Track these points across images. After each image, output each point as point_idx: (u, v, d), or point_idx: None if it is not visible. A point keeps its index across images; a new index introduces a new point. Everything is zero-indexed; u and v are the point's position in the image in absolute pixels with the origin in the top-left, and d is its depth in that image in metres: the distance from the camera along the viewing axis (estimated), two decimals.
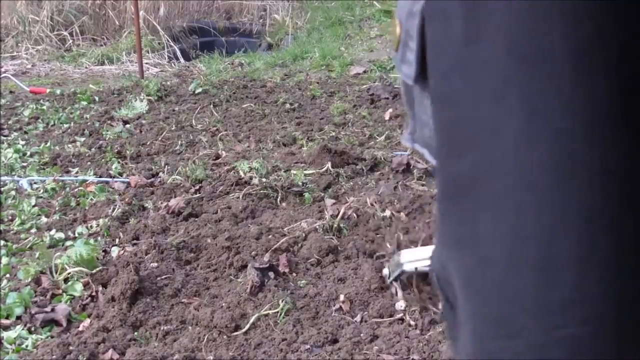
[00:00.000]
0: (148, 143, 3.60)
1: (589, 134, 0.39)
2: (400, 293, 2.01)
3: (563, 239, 0.41)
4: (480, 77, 0.41)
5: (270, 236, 2.42)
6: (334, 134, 3.62)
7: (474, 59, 0.41)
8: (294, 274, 2.21)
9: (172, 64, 6.26)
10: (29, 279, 2.16)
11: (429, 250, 1.91)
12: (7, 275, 2.22)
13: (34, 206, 2.78)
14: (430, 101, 0.48)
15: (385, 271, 2.08)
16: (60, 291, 2.11)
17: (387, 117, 3.90)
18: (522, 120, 0.41)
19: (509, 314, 0.45)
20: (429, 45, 0.46)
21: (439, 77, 0.45)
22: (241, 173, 3.01)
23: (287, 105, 4.23)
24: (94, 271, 2.14)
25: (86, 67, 6.02)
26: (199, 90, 4.63)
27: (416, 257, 1.98)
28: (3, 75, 5.34)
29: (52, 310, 2.01)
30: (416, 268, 1.95)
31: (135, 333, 1.92)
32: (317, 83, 4.81)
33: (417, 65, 0.49)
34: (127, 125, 3.95)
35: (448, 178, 0.47)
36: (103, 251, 2.38)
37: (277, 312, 1.98)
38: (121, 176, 3.12)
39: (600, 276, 0.41)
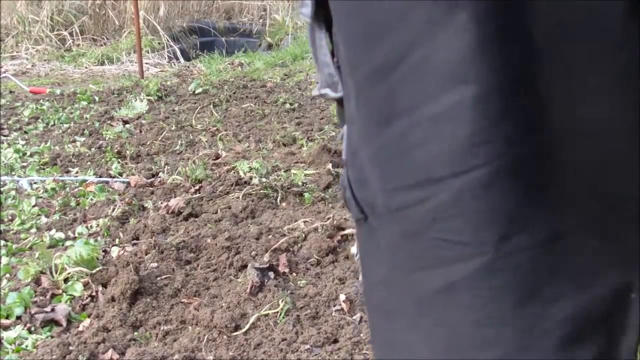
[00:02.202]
0: (148, 143, 3.60)
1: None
2: None
3: (465, 86, 0.47)
4: None
5: (270, 236, 2.42)
6: (334, 133, 3.62)
7: None
8: (294, 274, 2.21)
9: (172, 64, 6.26)
10: (29, 279, 2.16)
11: None
12: (7, 275, 2.22)
13: (34, 206, 2.78)
14: (338, 17, 0.53)
15: (354, 250, 2.13)
16: (60, 291, 2.11)
17: None
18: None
19: (429, 172, 0.49)
20: None
21: None
22: (241, 173, 3.01)
23: (287, 105, 4.23)
24: (94, 271, 2.14)
25: (86, 67, 6.02)
26: (199, 90, 4.63)
27: None
28: (3, 75, 5.34)
29: (52, 310, 2.00)
30: None
31: (135, 333, 1.92)
32: (317, 83, 4.81)
33: (312, 3, 0.57)
34: (127, 125, 3.95)
35: (360, 76, 0.52)
36: (103, 251, 2.38)
37: (277, 312, 1.98)
38: (121, 176, 3.12)
39: (497, 118, 0.47)
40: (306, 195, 2.78)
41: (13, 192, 2.94)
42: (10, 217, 2.71)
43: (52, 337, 1.91)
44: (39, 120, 4.05)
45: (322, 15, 0.57)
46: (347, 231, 2.37)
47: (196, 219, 2.63)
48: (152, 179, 3.05)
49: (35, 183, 3.05)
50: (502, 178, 0.47)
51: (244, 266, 2.24)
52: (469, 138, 0.47)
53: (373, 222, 0.56)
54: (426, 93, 0.48)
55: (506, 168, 0.47)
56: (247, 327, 1.92)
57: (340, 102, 0.61)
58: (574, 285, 0.49)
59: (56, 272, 2.17)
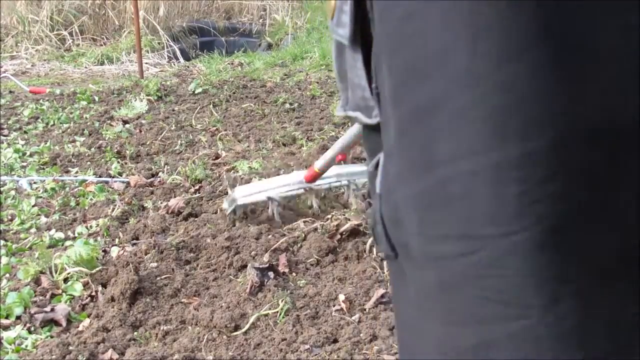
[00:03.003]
0: (148, 143, 3.60)
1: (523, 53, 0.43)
2: (237, 223, 2.45)
3: (508, 144, 0.45)
4: (432, 15, 0.46)
5: (270, 236, 2.42)
6: (333, 133, 3.62)
7: (425, 2, 0.46)
8: (294, 274, 2.21)
9: (172, 64, 6.26)
10: (29, 279, 2.16)
11: (255, 185, 2.41)
12: (7, 275, 2.22)
13: (33, 206, 2.78)
14: (380, 51, 0.51)
15: (225, 205, 2.51)
16: (60, 291, 2.11)
17: None
18: (468, 43, 0.45)
19: (471, 228, 0.47)
20: (380, 3, 0.50)
21: (396, 22, 0.48)
22: (241, 173, 3.01)
23: (287, 105, 4.23)
24: (94, 271, 2.14)
25: (86, 67, 6.03)
26: (199, 90, 4.63)
27: (247, 192, 2.44)
28: (3, 75, 5.34)
29: (52, 310, 2.01)
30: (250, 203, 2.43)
31: (135, 333, 1.92)
32: (317, 83, 4.81)
33: (351, 26, 0.54)
34: (127, 125, 3.95)
35: (404, 112, 0.49)
36: (103, 251, 2.38)
37: (277, 312, 1.98)
38: (121, 176, 3.12)
39: (546, 176, 0.45)
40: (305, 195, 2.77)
41: (13, 192, 2.94)
42: (10, 217, 2.71)
43: (51, 337, 1.91)
44: (39, 120, 4.05)
45: (359, 36, 0.55)
46: (345, 226, 2.38)
47: (196, 219, 2.63)
48: (152, 179, 3.05)
49: (35, 183, 3.05)
50: (552, 239, 0.45)
51: (244, 266, 2.24)
52: (516, 198, 0.45)
53: (405, 263, 0.55)
54: (466, 146, 0.46)
55: (557, 228, 0.45)
56: (246, 327, 1.92)
57: (372, 127, 0.58)
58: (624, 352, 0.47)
59: (56, 272, 2.17)
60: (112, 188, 2.98)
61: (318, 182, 2.43)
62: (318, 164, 2.33)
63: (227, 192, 2.86)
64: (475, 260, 0.47)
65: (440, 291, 0.51)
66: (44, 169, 3.24)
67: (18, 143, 3.62)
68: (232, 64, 5.92)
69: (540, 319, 0.46)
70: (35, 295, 2.08)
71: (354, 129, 2.18)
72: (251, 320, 1.94)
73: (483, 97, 0.45)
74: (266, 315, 1.97)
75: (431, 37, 0.46)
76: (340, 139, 2.30)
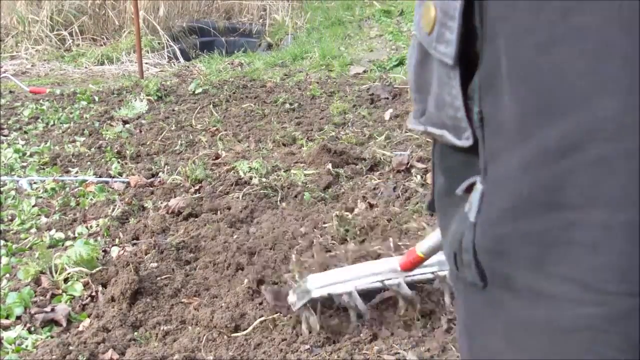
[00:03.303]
0: (148, 143, 3.60)
1: None
2: (311, 320, 1.87)
3: None
4: (579, 50, 0.42)
5: (270, 236, 2.42)
6: (333, 133, 3.62)
7: (572, 30, 0.43)
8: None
9: (172, 64, 6.26)
10: (29, 279, 2.16)
11: (335, 274, 1.84)
12: (7, 275, 2.22)
13: (33, 206, 2.78)
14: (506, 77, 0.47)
15: (291, 299, 1.88)
16: (60, 291, 2.12)
17: (386, 117, 3.90)
18: (622, 89, 0.41)
19: (595, 279, 0.44)
20: (506, 26, 0.46)
21: (532, 50, 0.45)
22: (241, 173, 3.01)
23: (287, 105, 4.23)
24: (94, 271, 2.14)
25: (86, 67, 6.02)
26: (199, 90, 4.63)
27: (324, 283, 1.84)
28: (3, 75, 5.34)
29: (52, 310, 2.01)
30: (328, 293, 1.83)
31: (135, 333, 1.92)
32: (317, 83, 4.81)
33: (457, 45, 0.50)
34: (127, 125, 3.95)
35: (533, 146, 0.46)
36: (103, 251, 2.38)
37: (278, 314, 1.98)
38: (121, 176, 3.12)
39: None
40: (306, 195, 2.78)
41: (13, 192, 2.94)
42: (10, 217, 2.71)
43: (52, 337, 1.91)
44: (39, 120, 4.05)
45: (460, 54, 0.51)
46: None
47: (196, 219, 2.63)
48: (152, 179, 3.05)
49: (35, 183, 3.06)
50: None
51: (244, 266, 2.24)
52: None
53: (499, 294, 0.52)
54: (603, 197, 0.43)
55: None
56: (249, 329, 1.92)
57: (455, 147, 0.54)
58: None
59: (56, 272, 2.17)
60: (112, 188, 2.98)
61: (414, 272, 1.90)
62: (421, 248, 1.78)
63: (227, 192, 2.86)
64: (595, 312, 0.45)
65: (547, 329, 0.48)
66: (44, 169, 3.24)
67: (18, 143, 3.63)
68: (232, 64, 5.92)
69: None
70: (36, 295, 2.08)
71: None
72: (254, 324, 1.94)
73: (634, 151, 0.42)
74: (267, 316, 1.97)
75: (576, 72, 0.43)
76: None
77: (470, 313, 0.58)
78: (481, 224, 0.51)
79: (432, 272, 1.94)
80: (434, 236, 1.75)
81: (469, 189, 0.53)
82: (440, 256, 1.82)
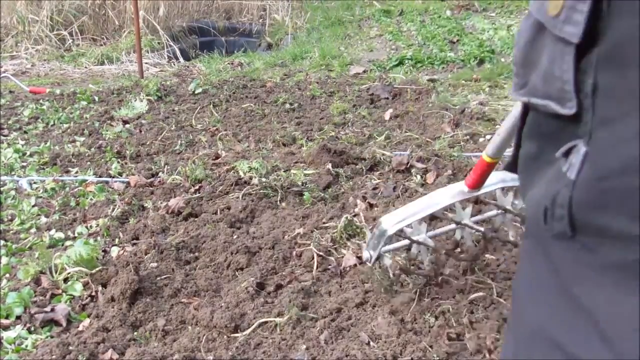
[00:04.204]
0: (148, 143, 3.60)
1: None
2: (389, 265, 1.92)
3: None
4: None
5: (270, 236, 2.42)
6: (333, 133, 3.62)
7: None
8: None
9: (172, 64, 6.26)
10: (29, 279, 2.16)
11: (405, 209, 1.84)
12: (7, 275, 2.22)
13: (33, 206, 2.78)
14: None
15: (366, 254, 1.88)
16: (60, 291, 2.12)
17: (386, 117, 3.90)
18: None
19: None
20: (634, 4, 0.53)
21: None
22: (241, 173, 3.01)
23: (287, 105, 4.23)
24: (94, 271, 2.14)
25: (86, 67, 6.02)
26: (199, 90, 4.63)
27: (397, 219, 1.82)
28: (3, 75, 5.34)
29: (52, 310, 2.01)
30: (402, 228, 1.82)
31: (135, 333, 1.92)
32: (317, 83, 4.81)
33: (585, 25, 0.57)
34: (127, 125, 3.95)
35: None
36: (103, 251, 2.38)
37: (277, 314, 1.98)
38: (121, 176, 3.12)
39: None
40: (306, 195, 2.78)
41: (13, 192, 2.94)
42: (10, 217, 2.71)
43: (51, 337, 1.91)
44: (39, 120, 4.05)
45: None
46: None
47: (196, 219, 2.63)
48: (152, 179, 3.05)
49: (35, 183, 3.06)
50: None
51: (244, 266, 2.24)
52: None
53: (592, 242, 0.59)
54: None
55: None
56: (249, 329, 1.92)
57: (555, 115, 0.62)
58: None
59: (56, 272, 2.17)
60: (112, 188, 2.98)
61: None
62: (487, 151, 1.76)
63: (227, 192, 2.86)
64: None
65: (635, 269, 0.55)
66: (44, 169, 3.24)
67: (18, 143, 3.63)
68: (232, 64, 5.92)
69: None
70: (35, 295, 2.08)
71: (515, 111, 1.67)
72: (254, 325, 1.94)
73: None
74: (266, 316, 1.97)
75: None
76: (508, 118, 1.71)
77: (554, 259, 0.64)
78: (582, 181, 0.58)
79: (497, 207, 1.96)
80: (498, 136, 1.71)
81: (568, 152, 0.60)
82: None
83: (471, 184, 1.83)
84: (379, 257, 1.86)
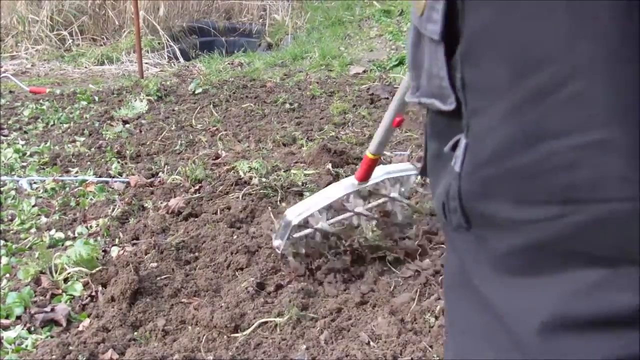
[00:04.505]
0: (148, 143, 3.60)
1: None
2: (292, 260, 2.17)
3: (615, 125, 0.51)
4: (557, 16, 0.52)
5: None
6: (333, 133, 3.62)
7: (547, 2, 0.52)
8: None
9: (172, 64, 6.26)
10: (29, 279, 2.16)
11: (306, 201, 2.12)
12: (7, 275, 2.22)
13: (33, 206, 2.78)
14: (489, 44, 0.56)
15: (276, 242, 2.09)
16: (60, 291, 2.12)
17: None
18: (595, 33, 0.50)
19: (573, 194, 0.53)
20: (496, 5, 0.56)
21: (519, 21, 0.53)
22: (241, 173, 3.01)
23: (287, 105, 4.24)
24: (94, 271, 2.14)
25: (86, 67, 6.03)
26: (199, 90, 4.63)
27: (300, 211, 2.07)
28: (3, 75, 5.34)
29: (52, 310, 2.01)
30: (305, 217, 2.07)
31: (135, 333, 1.92)
32: (317, 83, 4.81)
33: (442, 22, 0.60)
34: (127, 125, 3.95)
35: (522, 93, 0.54)
36: (103, 251, 2.38)
37: (277, 314, 1.98)
38: (121, 176, 3.12)
39: None
40: (306, 195, 2.78)
41: (13, 192, 2.94)
42: (10, 217, 2.71)
43: (51, 337, 1.91)
44: (39, 120, 4.05)
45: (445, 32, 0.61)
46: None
47: (196, 219, 2.63)
48: (152, 179, 3.05)
49: (35, 183, 3.06)
50: None
51: (244, 266, 2.24)
52: (616, 173, 0.51)
53: (483, 232, 0.62)
54: (578, 122, 0.52)
55: None
56: (249, 329, 1.92)
57: (441, 112, 0.65)
58: None
59: (56, 272, 2.17)
60: (112, 188, 2.98)
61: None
62: (370, 150, 2.07)
63: (227, 192, 2.86)
64: (571, 221, 0.54)
65: (528, 250, 0.57)
66: (44, 169, 3.24)
67: (18, 143, 3.63)
68: (232, 64, 5.92)
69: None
70: (35, 295, 2.08)
71: (393, 102, 2.02)
72: (254, 325, 1.94)
73: (602, 81, 0.50)
74: (267, 315, 1.97)
75: (556, 31, 0.52)
76: (384, 118, 2.04)
77: (458, 252, 0.68)
78: (465, 173, 0.61)
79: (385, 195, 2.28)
80: (377, 135, 2.05)
81: (455, 147, 0.63)
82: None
83: (359, 177, 2.12)
84: (291, 244, 2.13)
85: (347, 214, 2.21)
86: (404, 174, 2.33)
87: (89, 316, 2.01)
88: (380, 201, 2.31)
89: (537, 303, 0.57)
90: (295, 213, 2.06)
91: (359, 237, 2.23)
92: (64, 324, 1.97)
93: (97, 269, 2.15)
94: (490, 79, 0.57)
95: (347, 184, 2.16)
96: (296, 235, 2.12)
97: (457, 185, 0.62)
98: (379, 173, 2.21)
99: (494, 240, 0.60)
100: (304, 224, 2.10)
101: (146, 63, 5.88)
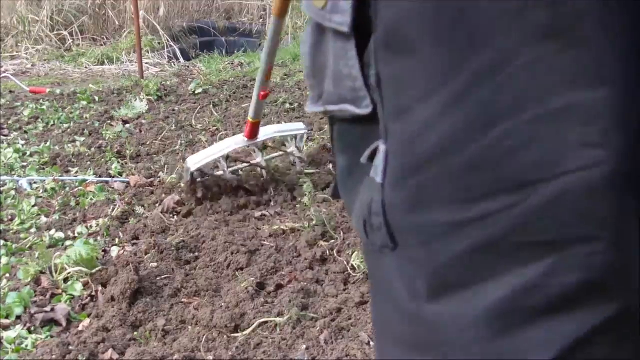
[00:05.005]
0: (148, 143, 3.60)
1: None
2: (198, 192, 2.67)
3: (576, 91, 0.47)
4: None
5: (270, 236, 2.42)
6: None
7: None
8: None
9: (172, 64, 6.26)
10: (29, 279, 2.16)
11: (204, 152, 2.71)
12: (7, 275, 2.22)
13: (33, 206, 2.78)
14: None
15: (182, 182, 2.74)
16: (60, 291, 2.11)
17: None
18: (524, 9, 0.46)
19: (526, 176, 0.49)
20: None
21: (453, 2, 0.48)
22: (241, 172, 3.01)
23: (287, 105, 4.23)
24: (94, 271, 2.14)
25: (86, 67, 6.02)
26: (199, 90, 4.63)
27: (197, 160, 2.62)
28: (3, 75, 5.34)
29: (52, 310, 2.01)
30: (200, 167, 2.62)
31: (135, 333, 1.92)
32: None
33: (352, 12, 0.53)
34: (127, 125, 3.95)
35: (464, 77, 0.49)
36: (103, 251, 2.38)
37: (277, 314, 1.98)
38: (121, 176, 3.12)
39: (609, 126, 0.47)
40: (306, 195, 2.77)
41: (13, 192, 2.94)
42: (10, 217, 2.70)
43: (52, 337, 1.91)
44: (39, 120, 4.05)
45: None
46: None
47: (196, 219, 2.63)
48: (152, 179, 3.05)
49: (35, 183, 3.05)
50: (604, 184, 0.48)
51: (244, 266, 2.24)
52: (575, 141, 0.47)
53: (413, 251, 0.54)
54: (532, 94, 0.47)
55: (610, 176, 0.48)
56: (249, 329, 1.92)
57: (353, 120, 0.57)
58: None
59: (56, 272, 2.17)
60: (112, 188, 2.98)
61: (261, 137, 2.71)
62: (249, 115, 2.61)
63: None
64: (527, 206, 0.49)
65: (474, 253, 0.51)
66: (44, 169, 3.24)
67: (18, 143, 3.62)
68: (232, 64, 5.92)
69: (606, 247, 0.49)
70: (36, 295, 2.08)
71: (258, 78, 2.52)
72: (254, 325, 1.94)
73: (557, 50, 0.46)
74: (267, 315, 1.97)
75: (504, 3, 0.47)
76: (254, 91, 2.55)
77: (381, 277, 0.60)
78: (390, 183, 0.54)
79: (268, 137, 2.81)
80: (251, 105, 2.57)
81: (372, 156, 0.55)
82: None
83: (247, 136, 2.66)
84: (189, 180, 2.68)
85: (244, 164, 2.83)
86: (296, 133, 2.91)
87: (89, 316, 2.01)
88: (279, 154, 2.94)
89: (478, 307, 0.52)
90: (193, 161, 2.60)
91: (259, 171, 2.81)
92: (64, 324, 1.96)
93: (97, 269, 2.15)
94: (422, 71, 0.50)
95: (237, 140, 2.69)
96: (199, 179, 2.67)
97: (381, 199, 0.54)
98: (269, 131, 2.79)
99: (430, 253, 0.53)
100: (201, 169, 2.63)
101: (146, 63, 5.88)
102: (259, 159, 2.82)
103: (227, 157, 2.70)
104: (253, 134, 2.64)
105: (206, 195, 2.68)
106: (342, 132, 0.62)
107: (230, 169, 2.76)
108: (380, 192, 0.55)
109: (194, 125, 3.92)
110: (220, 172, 2.72)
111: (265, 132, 2.75)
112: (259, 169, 2.84)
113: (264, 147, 2.85)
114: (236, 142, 2.69)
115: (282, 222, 2.55)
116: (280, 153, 2.94)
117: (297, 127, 2.96)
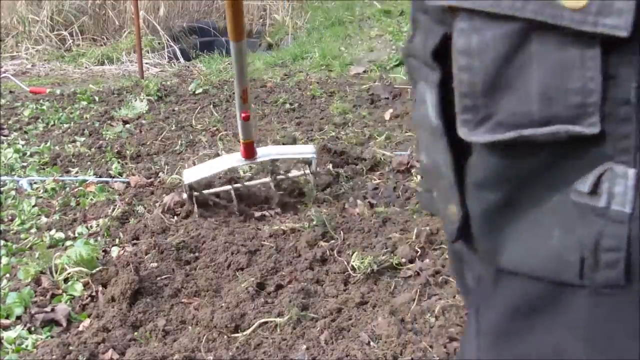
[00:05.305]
0: (148, 143, 3.60)
1: None
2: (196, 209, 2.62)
3: None
4: None
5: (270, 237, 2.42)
6: (334, 134, 3.62)
7: None
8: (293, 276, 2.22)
9: (172, 64, 6.26)
10: (29, 279, 2.16)
11: (200, 168, 2.63)
12: (7, 275, 2.22)
13: (34, 206, 2.78)
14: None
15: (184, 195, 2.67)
16: (60, 291, 2.12)
17: (387, 117, 3.90)
18: None
19: None
20: None
21: None
22: (241, 172, 3.01)
23: (287, 105, 4.23)
24: (94, 271, 2.14)
25: (86, 67, 6.02)
26: (199, 90, 4.63)
27: (194, 174, 2.59)
28: (3, 75, 5.34)
29: (52, 310, 2.01)
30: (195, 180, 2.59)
31: (135, 333, 1.92)
32: (317, 83, 4.80)
33: (633, 12, 0.46)
34: (127, 125, 3.95)
35: None
36: (103, 251, 2.38)
37: (277, 314, 1.98)
38: (121, 176, 3.12)
39: None
40: (306, 195, 2.78)
41: (13, 192, 2.94)
42: (10, 217, 2.71)
43: (52, 337, 1.91)
44: (39, 120, 4.05)
45: None
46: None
47: (196, 219, 2.63)
48: (152, 179, 3.05)
49: (35, 183, 3.05)
50: None
51: (244, 266, 2.24)
52: None
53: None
54: None
55: None
56: (249, 329, 1.92)
57: (553, 144, 0.50)
58: None
59: (56, 272, 2.17)
60: (113, 188, 2.98)
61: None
62: (241, 137, 2.54)
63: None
64: None
65: None
66: (44, 169, 3.24)
67: (18, 143, 3.62)
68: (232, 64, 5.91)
69: None
70: (36, 295, 2.08)
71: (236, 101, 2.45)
72: (255, 325, 1.94)
73: None
74: (267, 315, 1.97)
75: None
76: (235, 105, 2.48)
77: (597, 319, 0.52)
78: None
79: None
80: (238, 126, 2.50)
81: (596, 184, 0.49)
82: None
83: (243, 155, 2.58)
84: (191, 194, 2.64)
85: (227, 187, 2.73)
86: (303, 157, 2.75)
87: (89, 316, 2.01)
88: (291, 175, 2.83)
89: None
90: (188, 175, 2.59)
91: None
92: (64, 324, 1.97)
93: (98, 269, 2.15)
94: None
95: (234, 159, 2.62)
96: (194, 193, 2.65)
97: (627, 231, 0.48)
98: (272, 152, 2.70)
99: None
100: (195, 184, 2.61)
101: (146, 63, 5.88)
102: (267, 179, 2.77)
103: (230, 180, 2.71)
104: (249, 153, 2.56)
105: (200, 212, 2.64)
106: (500, 164, 0.53)
107: (232, 187, 2.71)
108: (626, 224, 0.48)
109: (194, 125, 3.92)
110: (214, 190, 2.71)
111: (267, 153, 2.65)
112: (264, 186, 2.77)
113: (272, 171, 2.77)
114: (233, 161, 2.61)
115: (282, 223, 2.55)
116: (294, 175, 2.82)
117: (304, 151, 2.75)
